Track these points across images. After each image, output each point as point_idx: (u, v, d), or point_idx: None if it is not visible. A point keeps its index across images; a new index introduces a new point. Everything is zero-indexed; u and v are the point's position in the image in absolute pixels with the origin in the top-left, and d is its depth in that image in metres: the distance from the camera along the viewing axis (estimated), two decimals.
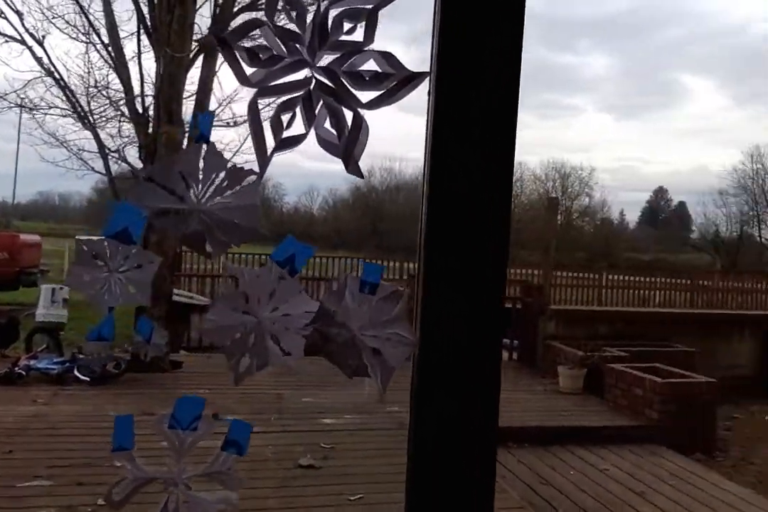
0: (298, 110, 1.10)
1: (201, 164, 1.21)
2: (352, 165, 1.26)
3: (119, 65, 8.57)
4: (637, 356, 7.39)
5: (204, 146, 1.22)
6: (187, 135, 7.99)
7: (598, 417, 6.14)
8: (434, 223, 1.16)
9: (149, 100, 8.25)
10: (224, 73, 8.73)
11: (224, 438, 1.22)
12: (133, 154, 9.20)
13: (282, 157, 1.38)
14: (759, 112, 48.31)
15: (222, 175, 1.21)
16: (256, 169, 1.23)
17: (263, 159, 1.25)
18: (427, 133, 1.14)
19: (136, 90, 8.49)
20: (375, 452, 4.66)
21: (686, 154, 54.10)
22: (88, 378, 5.96)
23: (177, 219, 1.19)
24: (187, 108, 8.56)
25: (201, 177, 1.22)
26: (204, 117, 1.16)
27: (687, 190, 62.24)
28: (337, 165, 1.08)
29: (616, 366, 6.78)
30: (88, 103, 9.00)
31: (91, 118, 8.92)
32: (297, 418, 5.13)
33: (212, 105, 8.87)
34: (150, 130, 7.90)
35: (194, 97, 8.48)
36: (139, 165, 8.58)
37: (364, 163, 1.13)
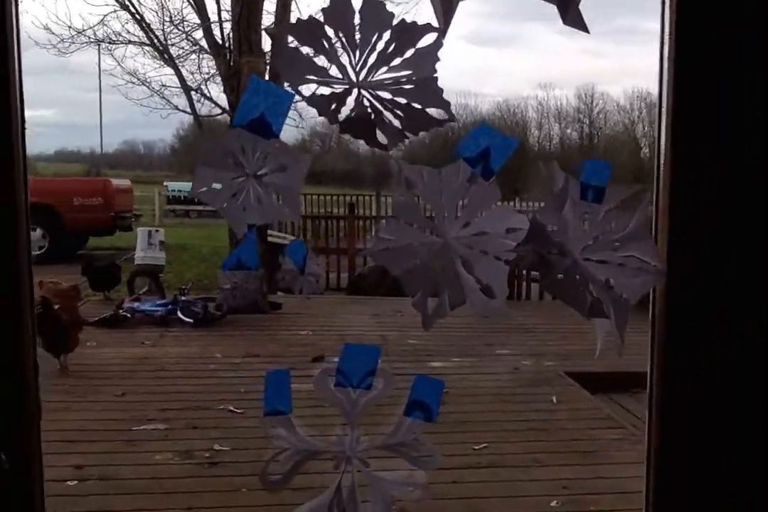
0: None
1: (356, 20, 0.84)
2: (571, 13, 0.88)
3: None
4: None
5: None
6: (268, 66, 7.65)
7: None
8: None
9: (227, 31, 7.94)
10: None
11: (407, 400, 0.92)
12: (214, 90, 8.98)
13: None
14: None
15: (386, 35, 0.84)
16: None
17: (447, 7, 0.87)
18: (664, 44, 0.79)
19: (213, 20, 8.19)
20: (491, 397, 4.39)
21: None
22: (191, 320, 5.94)
23: (331, 99, 0.83)
24: (265, 38, 8.22)
25: (358, 40, 0.84)
26: None
27: None
28: None
29: None
30: (165, 38, 8.79)
31: (170, 52, 8.71)
32: (404, 361, 4.89)
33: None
34: (231, 63, 7.61)
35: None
36: (222, 100, 8.35)
37: None
